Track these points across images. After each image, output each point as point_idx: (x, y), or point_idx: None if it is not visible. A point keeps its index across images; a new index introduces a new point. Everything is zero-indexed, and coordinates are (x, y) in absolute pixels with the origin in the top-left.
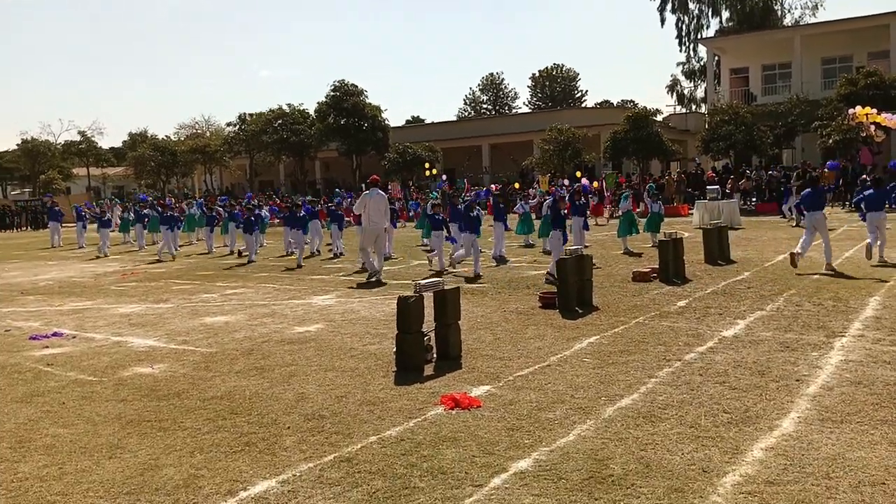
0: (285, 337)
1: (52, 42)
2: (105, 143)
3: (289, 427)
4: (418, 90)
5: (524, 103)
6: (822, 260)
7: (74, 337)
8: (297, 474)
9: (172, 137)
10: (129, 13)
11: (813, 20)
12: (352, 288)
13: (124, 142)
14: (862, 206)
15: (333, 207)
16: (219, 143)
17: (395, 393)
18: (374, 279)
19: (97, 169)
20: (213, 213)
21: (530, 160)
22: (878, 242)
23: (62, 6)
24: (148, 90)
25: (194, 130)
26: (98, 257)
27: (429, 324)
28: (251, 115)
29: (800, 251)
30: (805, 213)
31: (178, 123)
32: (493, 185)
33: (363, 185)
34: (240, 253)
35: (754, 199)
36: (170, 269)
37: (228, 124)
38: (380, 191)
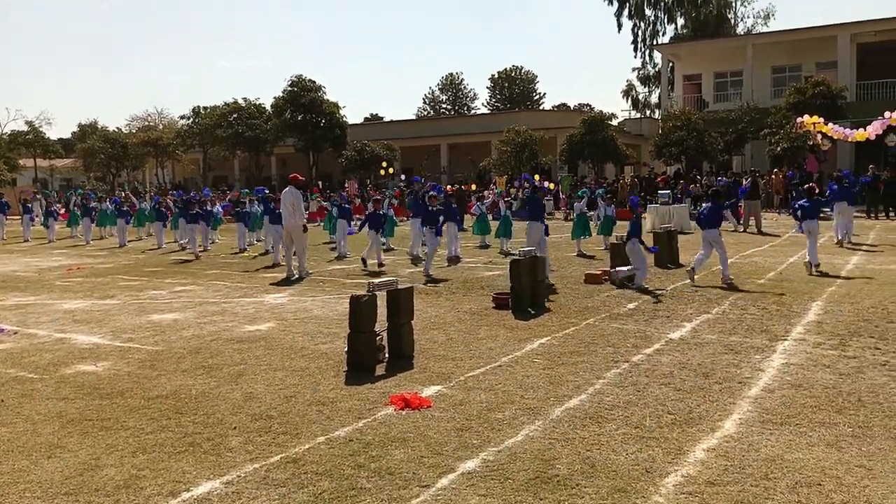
0: (235, 335)
1: None
2: (53, 133)
3: (235, 427)
4: (378, 88)
5: (483, 104)
6: (767, 265)
7: (16, 332)
8: (242, 475)
9: (124, 129)
10: None
11: (765, 30)
12: (274, 285)
13: (73, 133)
14: (798, 214)
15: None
16: (171, 137)
17: (345, 393)
18: (294, 277)
19: (45, 160)
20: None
21: (488, 161)
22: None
23: None
24: (99, 80)
25: (146, 123)
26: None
27: (381, 323)
28: (205, 108)
29: (809, 259)
30: (802, 220)
31: (130, 115)
32: (447, 186)
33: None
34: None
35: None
36: (117, 264)
37: (182, 117)
38: (294, 188)
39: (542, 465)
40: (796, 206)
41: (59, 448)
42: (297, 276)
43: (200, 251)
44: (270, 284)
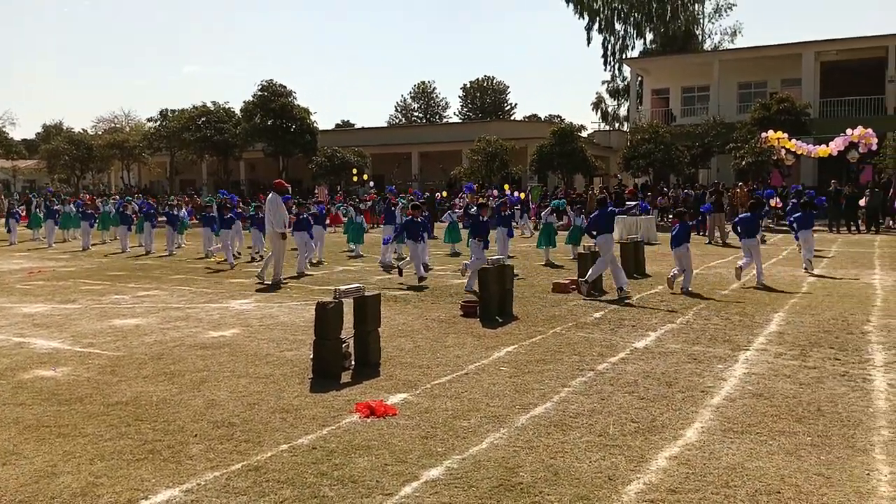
0: (198, 342)
1: None
2: (17, 134)
3: (196, 435)
4: (349, 95)
5: (455, 113)
6: (730, 276)
7: None
8: (202, 483)
9: (90, 131)
10: None
11: (731, 46)
12: (270, 293)
13: (38, 134)
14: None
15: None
16: (138, 139)
17: (309, 400)
18: (265, 282)
19: (7, 161)
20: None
21: (459, 170)
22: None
23: None
24: (64, 79)
25: (113, 125)
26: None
27: (348, 331)
28: (173, 111)
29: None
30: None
31: (96, 116)
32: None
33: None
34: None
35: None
36: (80, 268)
37: (149, 119)
38: (275, 195)
39: (506, 472)
40: (791, 219)
41: (14, 455)
42: (268, 281)
43: (165, 255)
44: (237, 290)
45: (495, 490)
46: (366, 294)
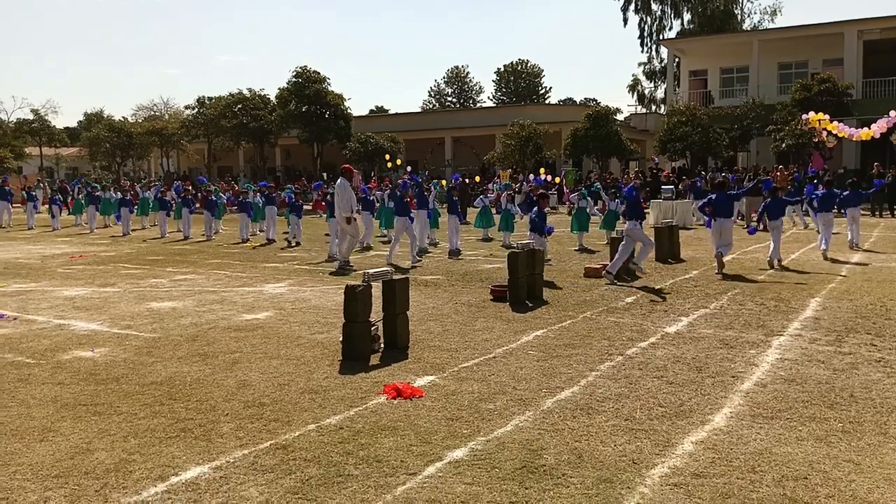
0: (232, 324)
1: (5, 17)
2: (59, 122)
3: (227, 414)
4: (383, 81)
5: (489, 97)
6: (767, 261)
7: (16, 318)
8: (231, 460)
9: (130, 119)
10: None
11: (771, 25)
12: (304, 277)
13: (80, 122)
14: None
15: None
16: (177, 127)
17: (338, 382)
18: (337, 266)
19: (50, 149)
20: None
21: (492, 154)
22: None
23: None
24: (106, 70)
25: (152, 112)
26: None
27: (378, 314)
28: (210, 98)
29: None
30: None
31: (136, 104)
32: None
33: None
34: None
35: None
36: (120, 252)
37: (187, 107)
38: (344, 180)
39: (530, 454)
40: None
41: (51, 432)
42: (338, 261)
43: (203, 240)
44: (302, 276)
45: (518, 471)
46: (394, 278)
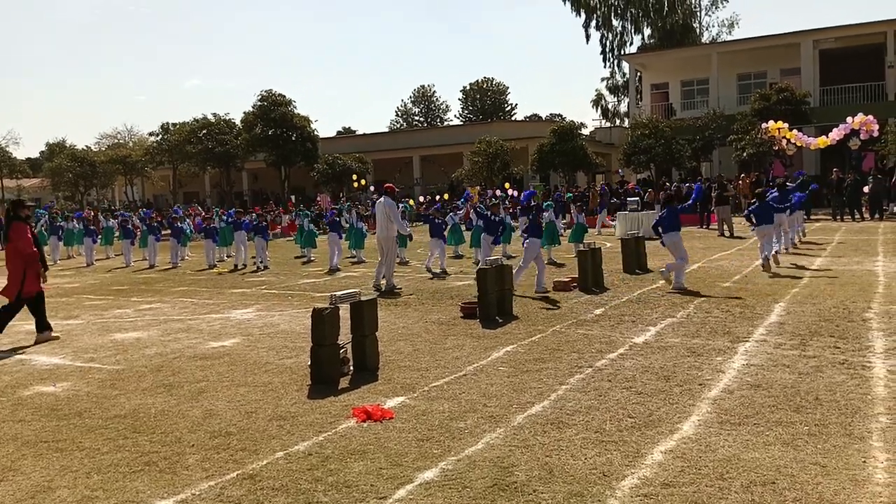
0: (198, 352)
1: None
2: (21, 153)
3: (193, 445)
4: (350, 101)
5: (455, 116)
6: (732, 268)
7: None
8: (197, 493)
9: (93, 148)
10: (51, 16)
11: (729, 38)
12: (272, 301)
13: (41, 152)
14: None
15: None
16: (141, 154)
17: (307, 407)
18: (378, 289)
19: (11, 180)
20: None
21: (460, 172)
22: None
23: None
24: (68, 98)
25: (116, 140)
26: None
27: (346, 336)
28: (174, 124)
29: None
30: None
31: (98, 133)
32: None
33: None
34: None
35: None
36: (83, 284)
37: (151, 134)
38: (387, 197)
39: (501, 472)
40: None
41: (11, 471)
42: (384, 287)
43: (170, 267)
44: (238, 300)
45: (489, 490)
46: (362, 299)
